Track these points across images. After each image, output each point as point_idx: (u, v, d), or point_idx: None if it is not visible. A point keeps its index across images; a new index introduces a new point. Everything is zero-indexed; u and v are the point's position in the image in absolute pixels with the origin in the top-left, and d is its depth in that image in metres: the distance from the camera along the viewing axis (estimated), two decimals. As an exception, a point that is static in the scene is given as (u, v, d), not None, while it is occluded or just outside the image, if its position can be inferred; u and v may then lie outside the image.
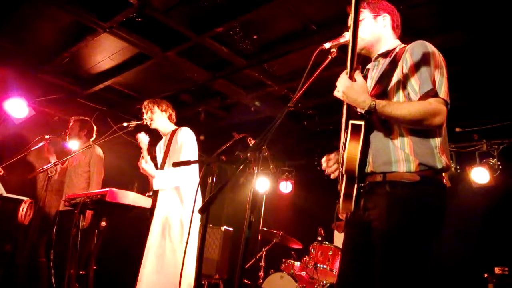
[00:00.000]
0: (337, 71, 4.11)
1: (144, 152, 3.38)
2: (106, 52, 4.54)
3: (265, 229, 5.15)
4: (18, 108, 4.88)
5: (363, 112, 1.64)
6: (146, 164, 3.32)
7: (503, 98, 4.48)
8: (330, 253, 4.42)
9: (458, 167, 5.15)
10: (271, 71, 4.57)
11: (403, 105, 1.64)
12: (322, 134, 6.00)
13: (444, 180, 1.68)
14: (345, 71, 1.69)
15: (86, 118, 4.51)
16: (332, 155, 1.96)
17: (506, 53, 3.67)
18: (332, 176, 1.95)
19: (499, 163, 4.87)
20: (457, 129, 4.93)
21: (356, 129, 1.64)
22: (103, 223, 3.34)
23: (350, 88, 1.65)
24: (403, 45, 1.87)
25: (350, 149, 1.63)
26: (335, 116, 5.37)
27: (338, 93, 1.73)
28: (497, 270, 4.19)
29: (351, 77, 1.67)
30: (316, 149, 6.50)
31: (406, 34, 2.05)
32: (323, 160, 1.97)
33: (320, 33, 3.66)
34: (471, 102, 4.49)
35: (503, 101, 4.53)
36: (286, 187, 6.78)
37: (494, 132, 4.87)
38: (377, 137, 1.71)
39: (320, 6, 3.40)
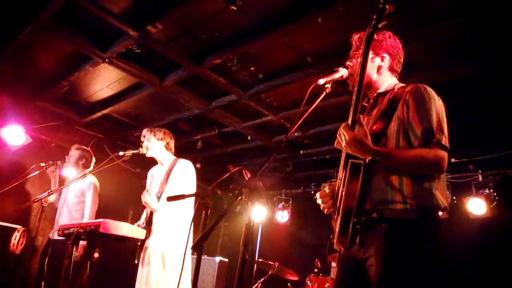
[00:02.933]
0: (333, 102, 4.20)
1: (149, 186, 3.45)
2: (105, 81, 4.61)
3: (261, 260, 5.06)
4: (15, 135, 4.88)
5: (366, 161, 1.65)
6: (149, 197, 3.34)
7: (498, 129, 4.53)
8: (327, 285, 4.34)
9: (454, 197, 5.15)
10: (268, 101, 4.64)
11: (403, 156, 1.65)
12: (318, 162, 6.02)
13: (439, 217, 1.67)
14: (345, 123, 1.70)
15: (87, 148, 4.47)
16: (327, 189, 1.96)
17: (501, 84, 3.73)
18: (327, 212, 1.95)
19: (495, 194, 4.87)
20: (453, 160, 4.96)
21: (355, 168, 1.65)
22: (96, 255, 3.28)
23: (353, 141, 1.63)
24: (401, 85, 1.88)
25: (349, 187, 1.64)
26: (331, 145, 5.40)
27: (339, 144, 1.72)
28: (496, 303, 4.12)
29: (352, 128, 1.67)
30: (313, 178, 6.50)
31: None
32: (318, 195, 1.98)
33: (316, 65, 3.73)
34: (466, 133, 4.54)
35: (498, 132, 4.58)
36: (282, 216, 6.72)
37: (489, 162, 4.90)
38: (375, 176, 1.71)
39: (316, 39, 3.49)
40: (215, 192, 2.00)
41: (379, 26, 1.57)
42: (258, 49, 3.65)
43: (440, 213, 1.66)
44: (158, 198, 3.43)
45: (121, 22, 3.38)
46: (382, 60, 1.92)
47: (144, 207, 3.71)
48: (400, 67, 1.97)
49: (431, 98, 1.70)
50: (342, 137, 1.68)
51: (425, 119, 1.66)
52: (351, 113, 1.69)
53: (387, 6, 1.53)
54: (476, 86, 3.80)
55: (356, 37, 1.97)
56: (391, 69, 1.93)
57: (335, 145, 1.75)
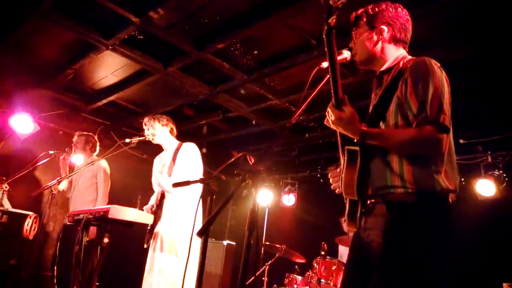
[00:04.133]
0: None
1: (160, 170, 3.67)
2: (109, 69, 4.61)
3: (268, 243, 5.12)
4: (24, 123, 4.93)
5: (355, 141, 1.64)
6: (162, 178, 3.51)
7: (508, 109, 4.46)
8: (334, 268, 4.38)
9: (462, 179, 5.11)
10: (272, 85, 4.60)
11: (394, 136, 1.62)
12: (324, 146, 6.00)
13: (448, 200, 1.62)
14: (331, 102, 1.67)
15: (90, 133, 4.56)
16: (337, 170, 1.95)
17: (509, 63, 3.66)
18: (337, 192, 1.94)
19: (504, 175, 4.81)
20: (461, 141, 4.91)
21: (352, 154, 1.64)
22: (106, 240, 3.35)
23: (338, 120, 1.63)
24: (408, 57, 1.80)
25: (347, 175, 1.64)
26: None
27: (328, 122, 1.72)
28: (505, 286, 4.10)
29: (339, 108, 1.65)
30: (318, 161, 6.50)
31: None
32: (329, 175, 1.98)
33: (320, 47, 3.67)
34: (475, 114, 4.48)
35: (507, 112, 4.51)
36: (289, 200, 6.75)
37: (498, 144, 4.84)
38: (374, 161, 1.68)
39: (319, 21, 3.43)
40: (219, 178, 2.02)
41: (330, 21, 1.52)
42: (261, 32, 3.60)
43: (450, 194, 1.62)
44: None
45: (123, 9, 3.35)
46: (381, 34, 1.83)
47: (152, 192, 3.76)
48: (405, 35, 1.86)
49: (430, 73, 1.60)
50: (329, 116, 1.68)
51: (422, 96, 1.57)
52: (332, 94, 1.66)
53: (330, 2, 1.47)
54: (484, 66, 3.73)
55: (354, 15, 1.93)
56: (394, 39, 1.84)
57: (324, 122, 1.74)
